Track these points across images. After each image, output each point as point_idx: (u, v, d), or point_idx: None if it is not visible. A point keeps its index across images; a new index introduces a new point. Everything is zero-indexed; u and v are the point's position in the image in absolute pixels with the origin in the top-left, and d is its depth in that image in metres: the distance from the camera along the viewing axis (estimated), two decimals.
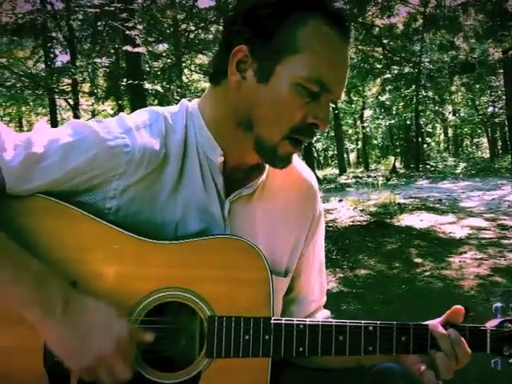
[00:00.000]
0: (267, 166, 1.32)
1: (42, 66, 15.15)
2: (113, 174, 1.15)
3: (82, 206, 1.16)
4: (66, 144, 1.13)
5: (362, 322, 1.20)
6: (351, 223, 9.84)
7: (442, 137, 46.08)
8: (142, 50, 6.89)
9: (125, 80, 7.54)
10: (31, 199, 1.14)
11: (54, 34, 12.22)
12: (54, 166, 1.12)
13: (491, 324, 1.25)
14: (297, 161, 1.41)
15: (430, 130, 38.13)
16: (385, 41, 14.23)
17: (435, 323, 1.23)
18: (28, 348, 1.13)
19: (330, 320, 1.21)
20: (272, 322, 1.17)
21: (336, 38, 1.16)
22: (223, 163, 1.24)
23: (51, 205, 1.14)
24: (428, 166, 28.10)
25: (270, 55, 1.15)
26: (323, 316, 1.46)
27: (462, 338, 1.20)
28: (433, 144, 43.33)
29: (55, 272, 1.09)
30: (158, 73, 11.88)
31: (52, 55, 14.03)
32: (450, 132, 43.98)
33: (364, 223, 9.68)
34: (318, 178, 24.43)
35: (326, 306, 1.53)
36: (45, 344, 1.11)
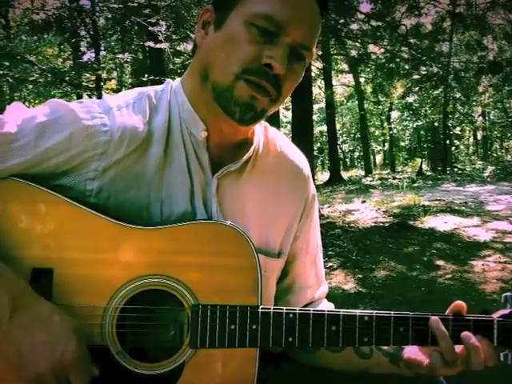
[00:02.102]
0: (255, 143, 1.29)
1: (72, 63, 15.41)
2: (92, 155, 1.11)
3: (62, 189, 1.12)
4: (41, 123, 1.10)
5: (357, 311, 1.15)
6: (373, 224, 9.75)
7: (471, 139, 45.45)
8: (163, 46, 6.91)
9: (146, 76, 7.58)
10: (1, 182, 1.09)
11: (79, 31, 12.33)
12: (29, 145, 1.09)
13: (499, 314, 1.18)
14: (288, 144, 1.40)
15: (459, 133, 37.57)
16: (412, 40, 14.03)
17: (436, 318, 1.16)
18: None
19: (322, 309, 1.16)
20: (260, 310, 1.12)
21: None
22: (207, 139, 1.21)
23: (23, 187, 1.10)
24: (455, 169, 27.70)
25: (227, 3, 1.14)
26: (326, 308, 1.40)
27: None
28: (461, 147, 42.72)
29: (10, 270, 1.03)
30: (179, 70, 11.91)
31: (80, 53, 14.20)
32: (480, 135, 43.35)
33: (386, 224, 9.59)
34: (342, 179, 24.51)
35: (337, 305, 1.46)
36: None
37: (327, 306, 1.43)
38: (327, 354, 1.30)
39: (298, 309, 1.14)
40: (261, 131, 1.34)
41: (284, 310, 1.12)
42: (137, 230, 1.11)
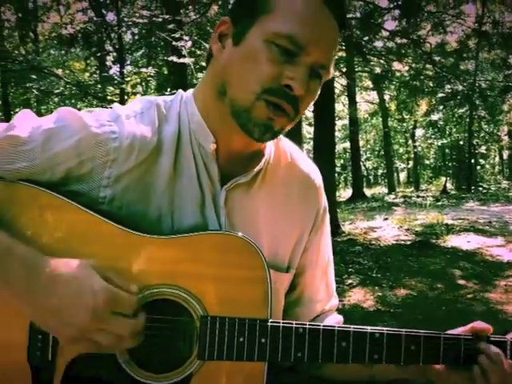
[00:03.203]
0: (266, 155, 1.28)
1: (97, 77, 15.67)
2: (103, 161, 1.12)
3: (75, 195, 1.12)
4: (49, 129, 1.11)
5: (368, 327, 1.13)
6: (395, 242, 9.67)
7: (496, 159, 44.94)
8: (187, 60, 6.98)
9: (168, 90, 7.66)
10: (13, 187, 1.11)
11: (105, 45, 12.55)
12: (36, 150, 1.10)
13: None
14: (300, 155, 1.38)
15: (484, 152, 37.17)
16: (436, 58, 13.99)
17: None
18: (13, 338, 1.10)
19: (333, 324, 1.14)
20: (269, 324, 1.10)
21: (315, 0, 1.11)
22: (217, 151, 1.20)
23: (35, 193, 1.11)
24: (480, 188, 27.37)
25: (246, 18, 1.12)
26: (335, 321, 1.38)
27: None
28: (487, 166, 42.26)
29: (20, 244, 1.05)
30: None
31: (106, 68, 14.45)
32: (505, 154, 42.83)
33: (408, 242, 9.50)
34: (365, 196, 24.37)
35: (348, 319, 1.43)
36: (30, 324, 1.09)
37: (336, 319, 1.41)
38: (332, 365, 1.28)
39: (307, 323, 1.12)
40: (272, 142, 1.31)
41: (294, 325, 1.11)
42: (148, 239, 1.10)
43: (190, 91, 1.27)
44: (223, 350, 1.09)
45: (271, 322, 1.10)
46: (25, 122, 1.13)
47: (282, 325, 1.11)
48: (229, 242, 1.13)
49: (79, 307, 0.99)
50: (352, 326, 1.13)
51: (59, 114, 1.15)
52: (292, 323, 1.11)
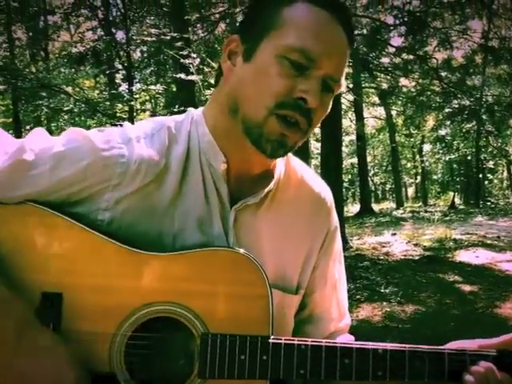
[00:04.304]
0: (276, 175, 1.27)
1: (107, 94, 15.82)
2: (106, 186, 1.11)
3: (75, 216, 1.12)
4: (58, 153, 1.10)
5: (370, 343, 1.11)
6: (403, 257, 9.62)
7: (505, 173, 44.74)
8: (195, 77, 7.03)
9: (177, 107, 7.72)
10: (19, 206, 1.11)
11: (114, 63, 12.67)
12: (44, 175, 1.09)
13: None
14: (310, 174, 1.37)
15: (492, 167, 37.04)
16: (443, 73, 14.01)
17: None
18: None
19: (335, 341, 1.13)
20: (270, 341, 1.08)
21: (324, 15, 1.12)
22: (227, 171, 1.19)
23: (39, 212, 1.11)
24: (488, 203, 27.23)
25: (255, 35, 1.13)
26: (345, 340, 1.33)
27: None
28: (495, 181, 42.07)
29: (17, 299, 1.05)
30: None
31: (116, 85, 14.59)
32: None
33: (416, 258, 9.46)
34: (373, 211, 24.25)
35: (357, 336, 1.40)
36: None
37: (346, 338, 1.37)
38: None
39: (310, 340, 1.10)
40: (282, 160, 1.31)
41: (296, 341, 1.09)
42: (148, 256, 1.10)
43: (200, 110, 1.26)
44: (224, 367, 1.07)
45: (273, 339, 1.09)
46: (35, 144, 1.12)
47: (283, 342, 1.08)
48: (230, 258, 1.11)
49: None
50: (355, 343, 1.11)
51: (69, 136, 1.14)
52: (294, 339, 1.10)
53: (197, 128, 1.22)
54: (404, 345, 1.12)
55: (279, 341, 1.09)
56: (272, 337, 1.09)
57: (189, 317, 1.09)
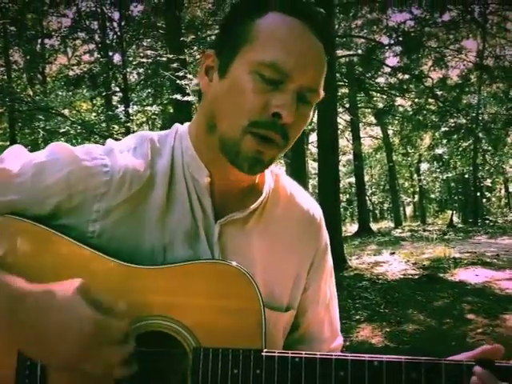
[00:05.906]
0: (265, 192, 1.26)
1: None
2: (93, 195, 1.11)
3: (65, 229, 1.11)
4: (40, 163, 1.11)
5: (366, 355, 1.07)
6: (402, 276, 9.59)
7: (502, 191, 44.86)
8: (191, 98, 7.06)
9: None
10: (3, 220, 1.11)
11: (110, 85, 12.75)
12: (26, 183, 1.10)
13: None
14: (300, 192, 1.35)
15: (490, 185, 37.11)
16: (438, 92, 14.10)
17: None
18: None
19: (330, 353, 1.09)
20: (263, 354, 1.06)
21: (297, 24, 1.09)
22: (211, 184, 1.19)
23: (27, 227, 1.11)
24: (487, 221, 27.24)
25: (229, 50, 1.12)
26: None
27: None
28: (493, 199, 42.14)
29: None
30: None
31: (113, 107, 14.70)
32: (511, 187, 42.79)
33: (416, 277, 9.42)
34: (372, 230, 24.26)
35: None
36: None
37: None
38: None
39: (304, 352, 1.07)
40: (271, 179, 1.30)
41: (289, 354, 1.06)
42: (139, 270, 1.09)
43: (186, 125, 1.26)
44: (217, 382, 1.04)
45: (266, 352, 1.06)
46: (15, 156, 1.13)
47: (277, 355, 1.06)
48: (221, 271, 1.09)
49: (65, 336, 0.97)
50: (350, 355, 1.08)
51: (51, 148, 1.15)
52: (287, 353, 1.07)
53: (181, 142, 1.21)
54: (400, 356, 1.08)
55: (273, 354, 1.06)
56: (265, 350, 1.07)
57: (180, 331, 1.07)
